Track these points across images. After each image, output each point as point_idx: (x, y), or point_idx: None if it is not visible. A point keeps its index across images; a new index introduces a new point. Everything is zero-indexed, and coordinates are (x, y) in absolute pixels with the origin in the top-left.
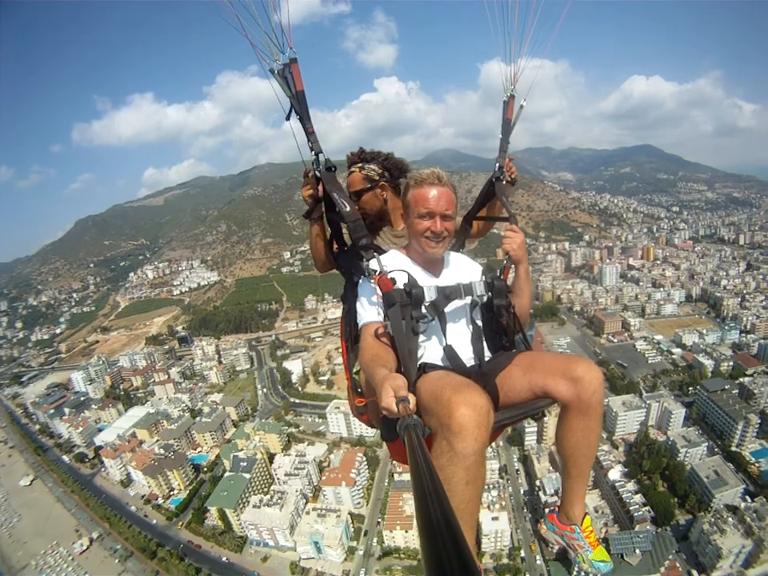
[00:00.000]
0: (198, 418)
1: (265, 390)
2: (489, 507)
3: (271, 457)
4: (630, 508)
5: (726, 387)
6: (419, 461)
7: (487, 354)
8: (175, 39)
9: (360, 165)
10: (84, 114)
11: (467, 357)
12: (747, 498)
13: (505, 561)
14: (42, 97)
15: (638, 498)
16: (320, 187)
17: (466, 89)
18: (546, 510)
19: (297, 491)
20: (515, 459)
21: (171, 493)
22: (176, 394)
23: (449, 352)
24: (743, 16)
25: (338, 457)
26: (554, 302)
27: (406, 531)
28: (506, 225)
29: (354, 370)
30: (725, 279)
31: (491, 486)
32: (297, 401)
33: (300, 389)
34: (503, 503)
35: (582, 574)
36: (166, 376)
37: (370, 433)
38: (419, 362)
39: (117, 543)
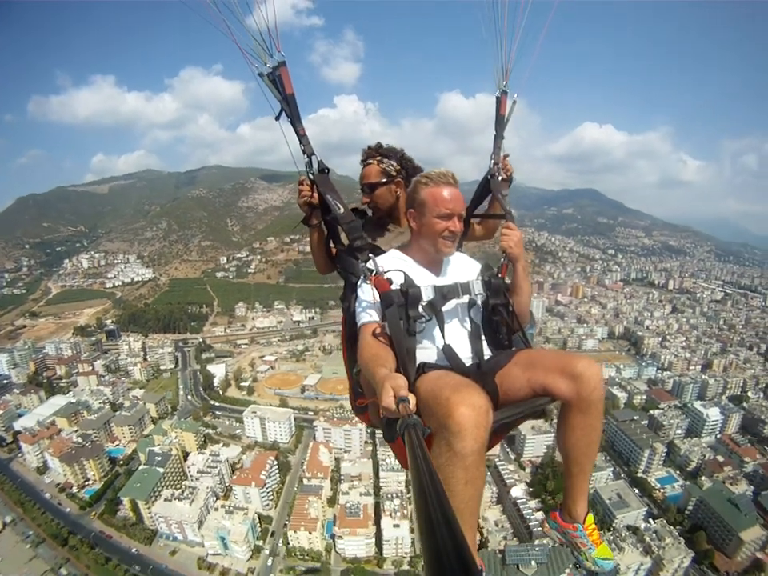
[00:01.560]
0: (118, 412)
1: (186, 391)
2: (390, 515)
3: (186, 455)
4: (530, 524)
5: (636, 418)
6: (419, 461)
7: (487, 353)
8: (148, 25)
9: (378, 158)
10: (43, 87)
11: (466, 356)
12: (650, 519)
13: (406, 567)
14: (3, 60)
15: (539, 514)
16: (314, 191)
17: (422, 116)
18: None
19: (208, 488)
20: None
21: (86, 483)
22: (99, 386)
23: (447, 351)
24: (699, 79)
25: (250, 458)
26: None
27: (310, 533)
28: (502, 222)
29: (354, 371)
30: (649, 320)
31: (394, 495)
32: (216, 403)
33: (221, 392)
34: (405, 512)
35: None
36: (91, 367)
37: (284, 439)
38: (418, 362)
39: (29, 529)
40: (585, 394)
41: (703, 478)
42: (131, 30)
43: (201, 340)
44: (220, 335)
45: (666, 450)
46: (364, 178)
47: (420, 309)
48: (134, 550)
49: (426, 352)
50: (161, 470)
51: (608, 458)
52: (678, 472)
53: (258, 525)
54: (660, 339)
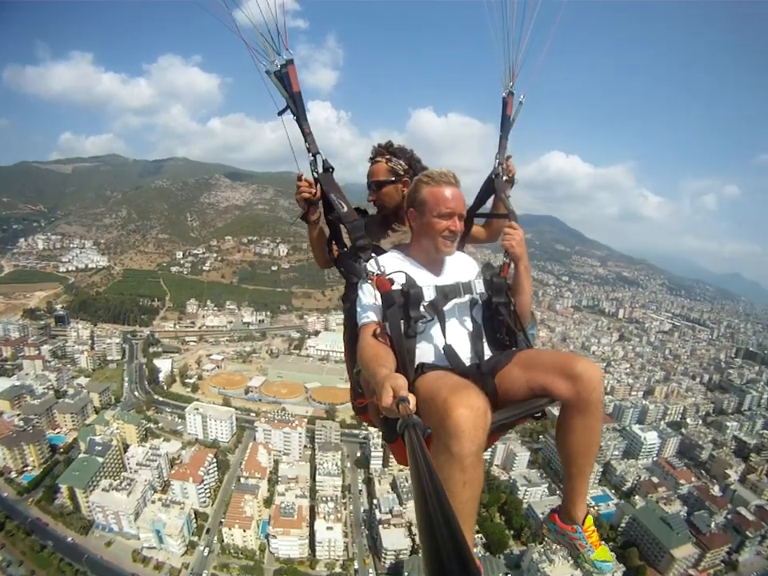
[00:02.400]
0: (61, 399)
1: (131, 383)
2: (324, 517)
3: (126, 447)
4: None
5: None
6: (419, 461)
7: (487, 353)
8: (135, 5)
9: (387, 157)
10: (21, 56)
11: (467, 356)
12: None
13: (338, 570)
14: None
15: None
16: (318, 189)
17: (393, 129)
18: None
19: (146, 481)
20: (360, 480)
21: (25, 468)
22: (44, 371)
23: (448, 351)
24: (667, 118)
25: (189, 454)
26: None
27: (245, 531)
28: (505, 222)
29: (355, 370)
30: (595, 346)
31: (329, 498)
32: (160, 398)
33: (165, 387)
34: (339, 515)
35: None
36: (37, 352)
37: (225, 438)
38: (418, 362)
39: None
40: (584, 395)
41: (637, 497)
42: (117, 7)
43: (149, 333)
44: (169, 330)
45: (601, 470)
46: (372, 176)
47: (422, 309)
48: (69, 539)
49: (427, 352)
50: (100, 459)
51: (544, 475)
52: (613, 491)
53: (194, 521)
54: (605, 365)
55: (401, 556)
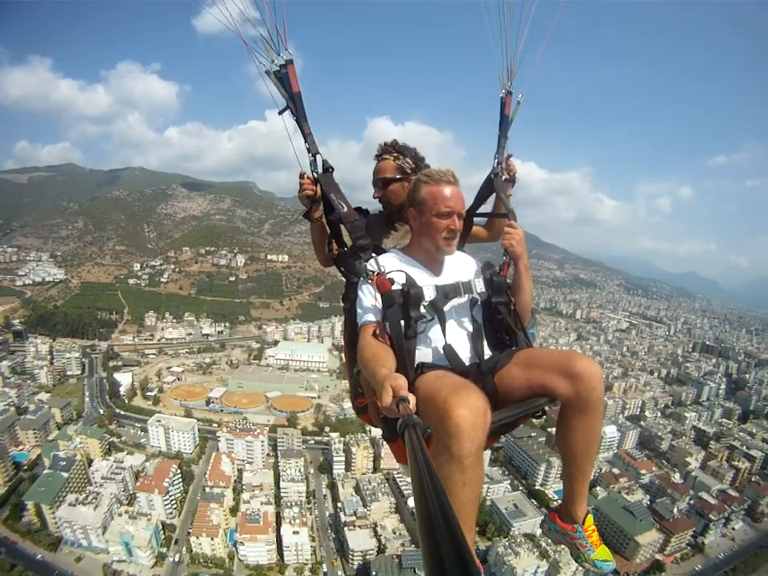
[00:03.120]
0: (23, 416)
1: (92, 398)
2: (290, 522)
3: (90, 461)
4: None
5: (533, 435)
6: (419, 461)
7: (487, 353)
8: (96, 7)
9: (395, 155)
10: None
11: (466, 355)
12: None
13: (307, 573)
14: None
15: None
16: (317, 188)
17: (350, 138)
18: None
19: (112, 494)
20: (323, 485)
21: None
22: (3, 387)
23: (448, 351)
24: (620, 125)
25: (153, 466)
26: None
27: (212, 539)
28: (504, 221)
29: (355, 370)
30: (553, 346)
31: (294, 503)
32: (122, 412)
33: (126, 401)
34: (304, 520)
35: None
36: None
37: (188, 449)
38: (418, 362)
39: None
40: (584, 394)
41: (599, 488)
42: (79, 8)
43: (108, 347)
44: (128, 344)
45: (562, 464)
46: (379, 173)
47: (422, 309)
48: (39, 557)
49: (427, 352)
50: (65, 474)
51: (506, 472)
52: None
53: (162, 532)
54: None
55: (368, 556)
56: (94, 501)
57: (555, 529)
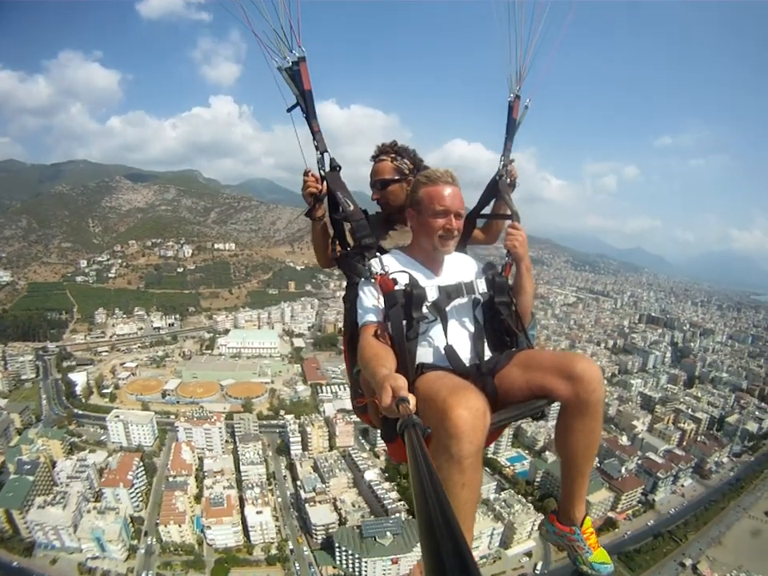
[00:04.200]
0: None
1: (49, 400)
2: (252, 503)
3: (54, 463)
4: (385, 502)
5: None
6: (419, 461)
7: (487, 353)
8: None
9: (392, 155)
10: None
11: (467, 356)
12: (500, 492)
13: (274, 552)
14: None
15: (393, 494)
16: (324, 186)
17: (297, 123)
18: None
19: (78, 493)
20: (283, 467)
21: None
22: None
23: (449, 352)
24: (566, 106)
25: (116, 460)
26: (336, 334)
27: (180, 525)
28: (507, 222)
29: (355, 370)
30: None
31: (254, 484)
32: (80, 411)
33: (83, 400)
34: (266, 499)
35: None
36: None
37: (148, 442)
38: (418, 362)
39: None
40: (584, 396)
41: (548, 453)
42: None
43: (61, 348)
44: (80, 343)
45: (512, 433)
46: (377, 174)
47: (424, 309)
48: (14, 564)
49: (428, 352)
50: (31, 478)
51: None
52: (526, 451)
53: (131, 525)
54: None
55: (330, 530)
56: (62, 501)
57: (553, 531)
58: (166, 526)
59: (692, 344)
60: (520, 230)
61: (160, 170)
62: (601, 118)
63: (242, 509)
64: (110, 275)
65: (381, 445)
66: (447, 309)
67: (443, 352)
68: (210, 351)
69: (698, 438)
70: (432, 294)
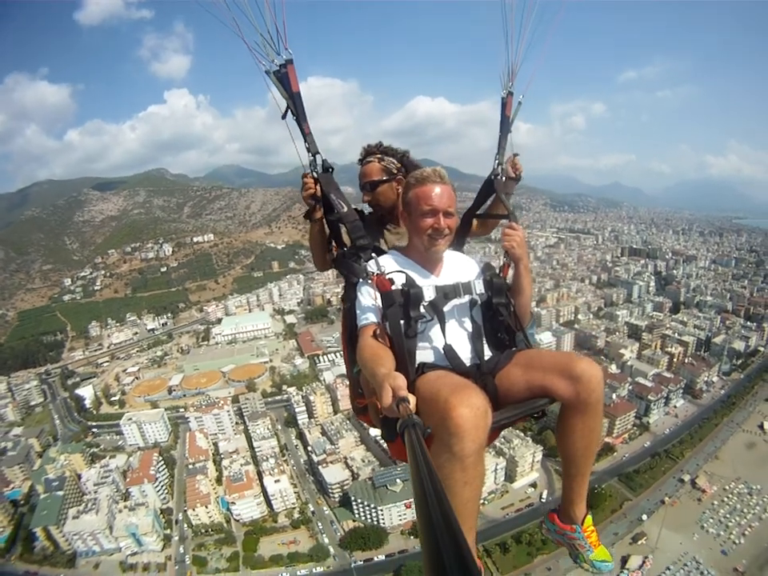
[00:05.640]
0: (3, 456)
1: (62, 419)
2: (269, 473)
3: (79, 476)
4: None
5: None
6: (419, 461)
7: (487, 353)
8: None
9: (379, 156)
10: None
11: (466, 356)
12: None
13: (297, 516)
14: None
15: None
16: (318, 188)
17: (254, 104)
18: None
19: (108, 496)
20: (293, 437)
21: None
22: None
23: (448, 351)
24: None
25: (137, 459)
26: (325, 305)
27: (207, 507)
28: (504, 222)
29: (355, 370)
30: (486, 258)
31: (268, 456)
32: (93, 423)
33: (94, 412)
34: (282, 468)
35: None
36: None
37: (163, 437)
38: (418, 362)
39: None
40: (584, 396)
41: None
42: None
43: (63, 367)
44: (80, 359)
45: None
46: (365, 176)
47: (422, 309)
48: None
49: (427, 352)
50: (61, 493)
51: None
52: None
53: (162, 517)
54: None
55: (344, 487)
56: (93, 507)
57: (554, 529)
58: (193, 509)
59: (675, 271)
60: (517, 230)
61: (127, 175)
62: (563, 58)
63: (260, 481)
64: (96, 288)
65: None
66: (445, 309)
67: (442, 352)
68: (206, 342)
69: (686, 360)
70: (429, 294)
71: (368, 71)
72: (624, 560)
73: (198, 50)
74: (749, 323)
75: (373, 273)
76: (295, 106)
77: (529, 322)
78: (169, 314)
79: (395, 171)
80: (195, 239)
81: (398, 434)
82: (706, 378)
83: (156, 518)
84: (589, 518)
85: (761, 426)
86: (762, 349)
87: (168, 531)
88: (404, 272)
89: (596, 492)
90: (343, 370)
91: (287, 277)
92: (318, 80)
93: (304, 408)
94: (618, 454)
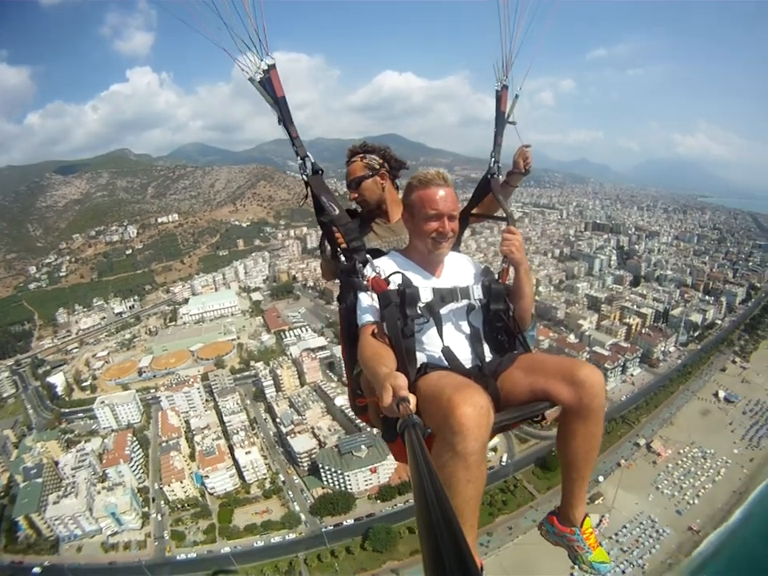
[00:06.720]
0: None
1: (35, 408)
2: (240, 445)
3: (56, 462)
4: (357, 421)
5: None
6: (419, 460)
7: (488, 356)
8: None
9: (362, 155)
10: None
11: (466, 358)
12: None
13: (268, 486)
14: None
15: None
16: (309, 190)
17: (218, 80)
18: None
19: (85, 479)
20: (262, 411)
21: None
22: None
23: (447, 353)
24: (491, 26)
25: (111, 441)
26: (290, 281)
27: (181, 482)
28: (502, 223)
29: (355, 371)
30: None
31: (239, 430)
32: (66, 410)
33: (67, 398)
34: (252, 440)
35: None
36: None
37: (135, 418)
38: (420, 362)
39: None
40: (586, 401)
41: None
42: None
43: (33, 356)
44: (49, 347)
45: None
46: (350, 175)
47: (417, 310)
48: (46, 563)
49: (427, 353)
50: (39, 480)
51: None
52: None
53: (139, 495)
54: None
55: (312, 455)
56: (72, 491)
57: (554, 531)
58: (169, 485)
59: (637, 246)
60: (516, 234)
61: (89, 157)
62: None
63: (232, 454)
64: (61, 274)
65: None
66: (442, 312)
67: (441, 354)
68: (174, 323)
69: (644, 331)
70: (426, 296)
71: (335, 44)
72: None
73: (161, 27)
74: (707, 297)
75: (369, 275)
76: (281, 111)
77: (530, 324)
78: (136, 297)
79: (377, 167)
80: (160, 220)
81: (398, 434)
82: (662, 348)
83: (134, 497)
84: (588, 520)
85: (716, 395)
86: (719, 322)
87: (146, 509)
88: (401, 273)
89: (553, 455)
90: (309, 344)
91: (252, 254)
92: (283, 55)
93: (271, 382)
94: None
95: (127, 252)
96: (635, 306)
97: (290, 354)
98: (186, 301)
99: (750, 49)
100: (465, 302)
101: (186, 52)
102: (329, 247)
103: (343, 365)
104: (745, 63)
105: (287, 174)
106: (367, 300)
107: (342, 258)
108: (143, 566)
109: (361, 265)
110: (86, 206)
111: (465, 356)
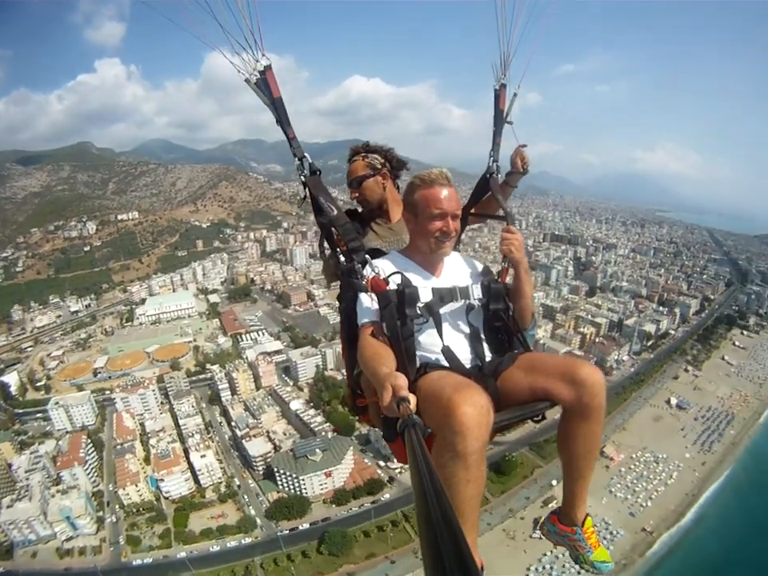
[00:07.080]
0: None
1: None
2: (195, 449)
3: (9, 465)
4: (312, 426)
5: None
6: (419, 460)
7: (488, 355)
8: None
9: (363, 154)
10: None
11: (466, 357)
12: None
13: (224, 490)
14: None
15: (319, 418)
16: (307, 191)
17: (186, 76)
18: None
19: (39, 482)
20: (217, 414)
21: None
22: None
23: (447, 353)
24: (462, 38)
25: (66, 442)
26: (248, 284)
27: (136, 485)
28: (500, 223)
29: (355, 372)
30: None
31: (194, 433)
32: (20, 410)
33: (20, 398)
34: (207, 444)
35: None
36: None
37: (90, 420)
38: (420, 362)
39: None
40: (586, 401)
41: None
42: None
43: None
44: (3, 344)
45: None
46: (351, 174)
47: (417, 310)
48: (0, 569)
49: (427, 353)
50: None
51: None
52: None
53: (93, 499)
54: None
55: (268, 459)
56: (26, 494)
57: (555, 531)
58: (124, 488)
59: (594, 258)
60: (515, 233)
61: (52, 148)
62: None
63: (187, 457)
64: (17, 269)
65: (302, 379)
66: (441, 311)
67: (441, 354)
68: (130, 323)
69: (597, 340)
70: (425, 295)
71: (305, 46)
72: (536, 522)
73: (134, 17)
74: (661, 308)
75: (368, 275)
76: (278, 112)
77: (530, 324)
78: (92, 295)
79: (379, 166)
80: (120, 217)
81: (398, 434)
82: (616, 357)
83: (88, 501)
84: (589, 519)
85: (668, 401)
86: (672, 332)
87: (101, 513)
88: (400, 273)
89: (507, 460)
90: (266, 348)
91: (211, 256)
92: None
93: (227, 385)
94: (528, 425)
95: (85, 249)
96: (590, 316)
97: (246, 358)
98: (143, 301)
99: (710, 76)
100: (464, 301)
101: (157, 46)
102: (328, 248)
103: (344, 366)
104: (704, 85)
105: (249, 175)
106: (367, 300)
107: (342, 259)
108: (99, 572)
109: (360, 265)
110: (46, 200)
111: (465, 356)
